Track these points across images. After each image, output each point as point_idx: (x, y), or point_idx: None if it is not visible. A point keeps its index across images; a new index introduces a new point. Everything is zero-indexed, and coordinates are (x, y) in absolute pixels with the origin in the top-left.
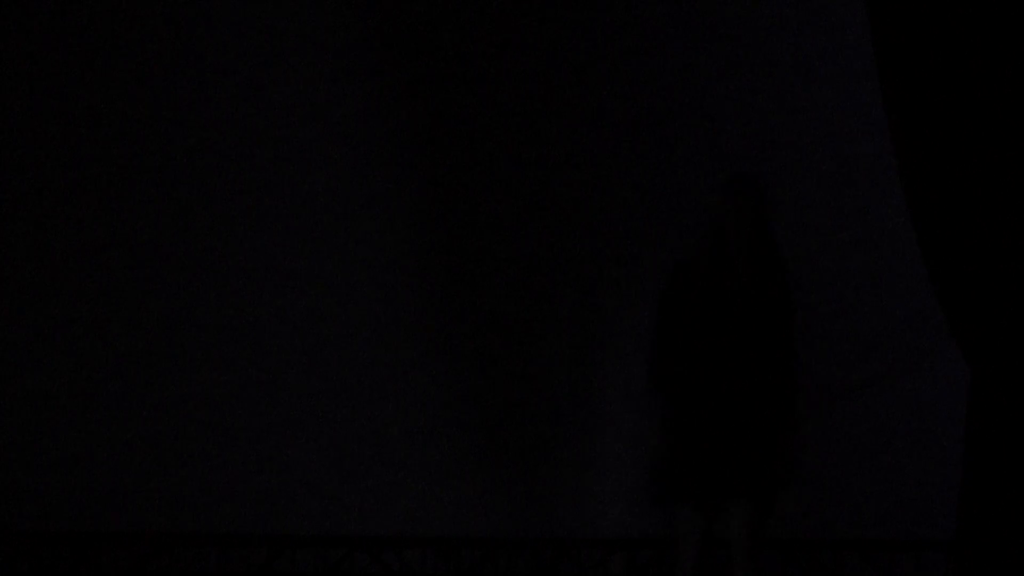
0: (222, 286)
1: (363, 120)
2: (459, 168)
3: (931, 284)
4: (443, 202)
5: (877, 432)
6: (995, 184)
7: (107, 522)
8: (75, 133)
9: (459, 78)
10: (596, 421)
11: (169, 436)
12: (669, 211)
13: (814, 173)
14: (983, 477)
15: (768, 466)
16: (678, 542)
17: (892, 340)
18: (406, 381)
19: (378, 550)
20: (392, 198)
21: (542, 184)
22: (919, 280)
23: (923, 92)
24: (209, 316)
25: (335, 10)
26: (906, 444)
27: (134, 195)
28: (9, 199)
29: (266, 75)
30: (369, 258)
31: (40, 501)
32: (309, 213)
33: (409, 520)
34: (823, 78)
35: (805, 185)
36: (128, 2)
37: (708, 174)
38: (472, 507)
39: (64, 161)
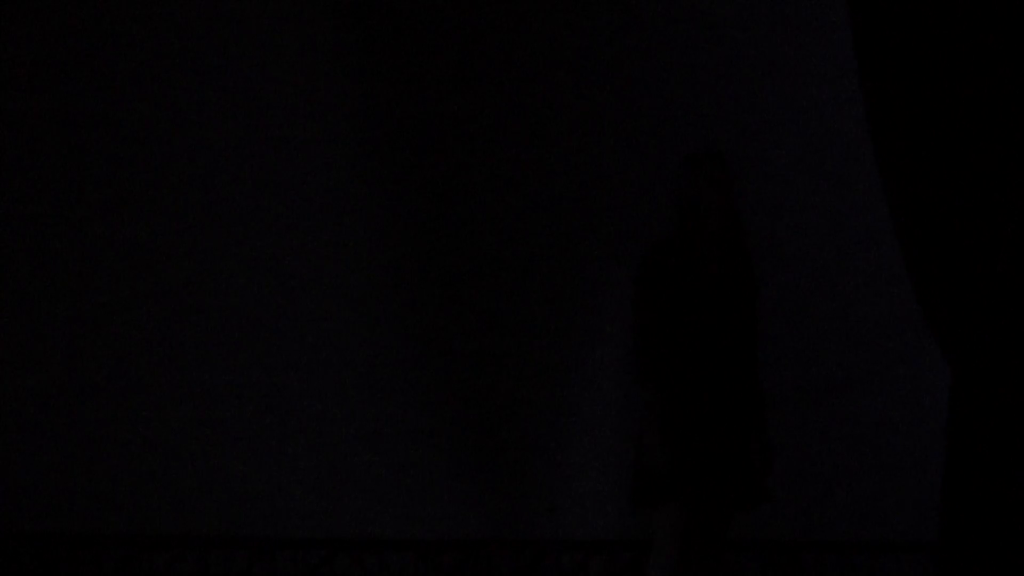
0: (220, 286)
1: (362, 120)
2: (459, 168)
3: (911, 281)
4: (442, 202)
5: (859, 433)
6: (973, 180)
7: (84, 524)
8: (71, 133)
9: (459, 78)
10: (577, 424)
11: (148, 439)
12: (763, 209)
13: (805, 172)
14: (965, 478)
15: (765, 470)
16: (670, 543)
17: (876, 340)
18: (387, 384)
19: (359, 552)
20: (391, 198)
21: (542, 184)
22: (905, 278)
23: (903, 88)
24: (202, 317)
25: (331, 9)
26: (888, 445)
27: (133, 196)
28: (9, 199)
29: (264, 75)
30: (365, 257)
31: (8, 503)
32: (307, 212)
33: (390, 523)
34: (819, 79)
35: (798, 184)
36: (119, 2)
37: (801, 171)
38: (453, 510)
39: (58, 162)
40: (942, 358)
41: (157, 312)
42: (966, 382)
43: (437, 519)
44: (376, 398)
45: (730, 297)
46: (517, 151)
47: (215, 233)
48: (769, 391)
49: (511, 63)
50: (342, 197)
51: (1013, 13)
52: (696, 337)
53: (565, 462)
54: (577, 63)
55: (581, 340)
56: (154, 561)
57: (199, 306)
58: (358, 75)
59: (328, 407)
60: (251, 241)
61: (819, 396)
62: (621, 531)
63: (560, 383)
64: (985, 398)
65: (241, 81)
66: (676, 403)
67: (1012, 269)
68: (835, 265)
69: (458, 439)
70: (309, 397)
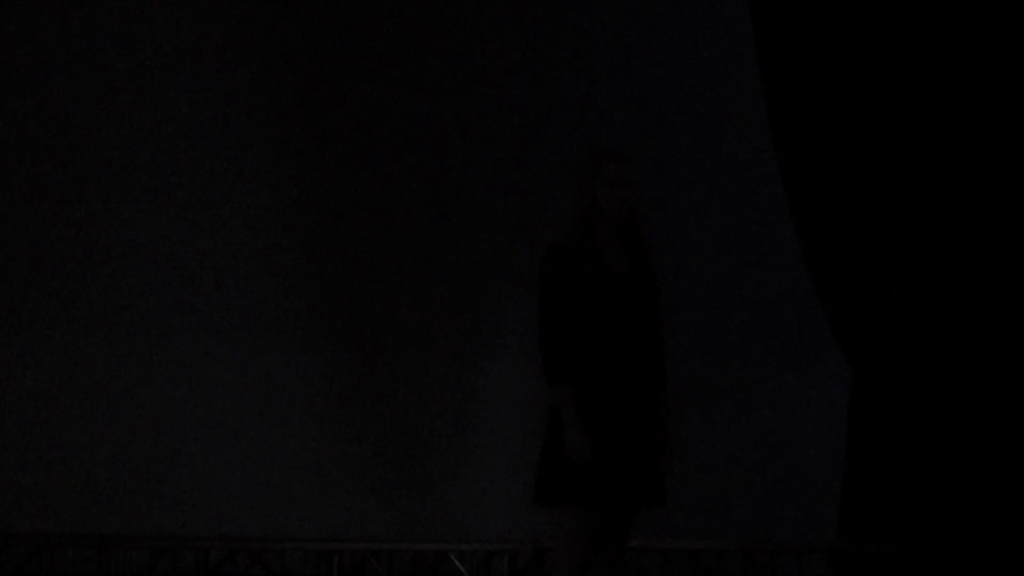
0: (218, 286)
1: (365, 121)
2: (459, 169)
3: (813, 286)
4: (442, 202)
5: (755, 434)
6: (875, 188)
7: None
8: (69, 133)
9: (461, 78)
10: (478, 426)
11: (146, 441)
12: (668, 212)
13: (710, 175)
14: (864, 480)
15: (666, 471)
16: (575, 543)
17: (778, 343)
18: (293, 384)
19: (259, 550)
20: (390, 198)
21: (542, 184)
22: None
23: (805, 92)
24: (200, 317)
25: (324, 10)
26: (785, 447)
27: (132, 197)
28: (9, 199)
29: (261, 76)
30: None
31: None
32: (306, 211)
33: (292, 522)
34: (724, 80)
35: (703, 185)
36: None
37: (705, 175)
38: (357, 510)
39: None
40: (844, 362)
41: (156, 312)
42: (866, 385)
43: (341, 519)
44: (266, 398)
45: (632, 296)
46: (519, 152)
47: (214, 233)
48: (672, 392)
49: (512, 61)
50: (340, 197)
51: (916, 18)
52: (601, 336)
53: (467, 463)
54: (579, 62)
55: (482, 342)
56: (54, 559)
57: (196, 306)
58: (359, 74)
59: (218, 408)
60: (249, 241)
61: (719, 398)
62: (524, 531)
63: (462, 385)
64: (885, 402)
65: (239, 81)
66: (584, 402)
67: (912, 275)
68: (738, 268)
69: (358, 442)
70: (195, 401)
